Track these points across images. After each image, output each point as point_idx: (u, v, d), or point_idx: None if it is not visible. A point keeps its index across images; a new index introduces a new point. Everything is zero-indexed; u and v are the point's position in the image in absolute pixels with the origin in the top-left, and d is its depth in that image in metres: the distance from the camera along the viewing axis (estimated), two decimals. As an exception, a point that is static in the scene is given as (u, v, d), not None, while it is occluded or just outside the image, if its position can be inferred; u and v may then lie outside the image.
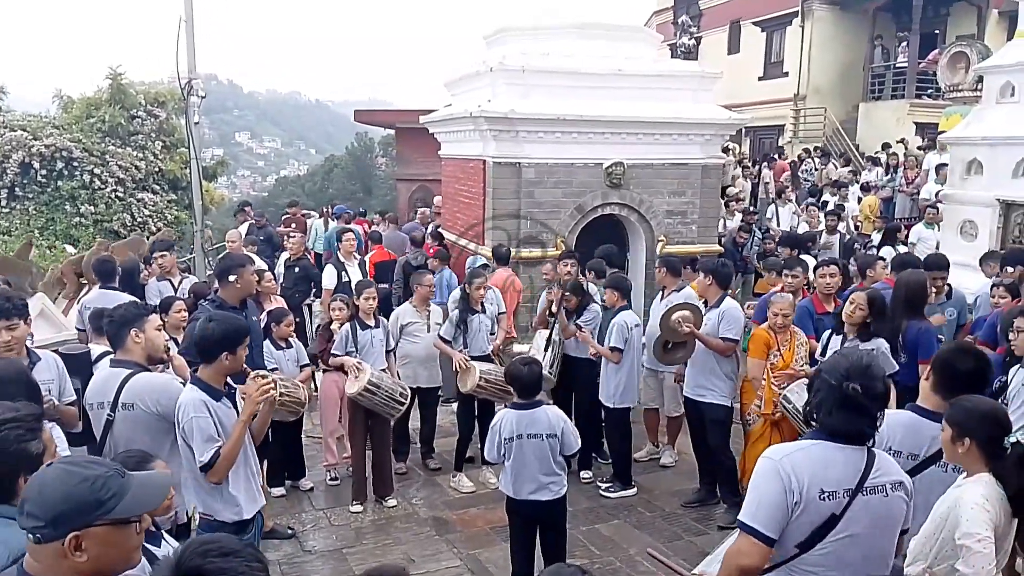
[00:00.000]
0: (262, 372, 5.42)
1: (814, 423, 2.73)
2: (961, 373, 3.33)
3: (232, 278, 5.35)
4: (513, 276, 8.50)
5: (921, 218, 12.91)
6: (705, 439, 6.23)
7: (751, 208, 13.06)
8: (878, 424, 2.64)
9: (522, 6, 10.44)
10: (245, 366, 4.06)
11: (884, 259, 7.69)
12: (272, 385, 3.79)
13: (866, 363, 2.67)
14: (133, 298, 5.88)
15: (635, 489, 6.56)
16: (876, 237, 12.07)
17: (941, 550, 2.92)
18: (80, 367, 4.79)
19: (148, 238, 14.64)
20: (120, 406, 3.85)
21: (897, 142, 16.25)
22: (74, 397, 4.54)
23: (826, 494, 2.55)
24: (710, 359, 6.03)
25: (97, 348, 5.24)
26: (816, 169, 16.78)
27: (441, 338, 6.81)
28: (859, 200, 14.07)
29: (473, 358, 6.68)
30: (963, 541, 2.77)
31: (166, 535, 2.77)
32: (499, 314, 7.24)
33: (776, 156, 17.59)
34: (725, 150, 16.85)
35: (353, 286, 7.02)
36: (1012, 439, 2.99)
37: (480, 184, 9.63)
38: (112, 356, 4.15)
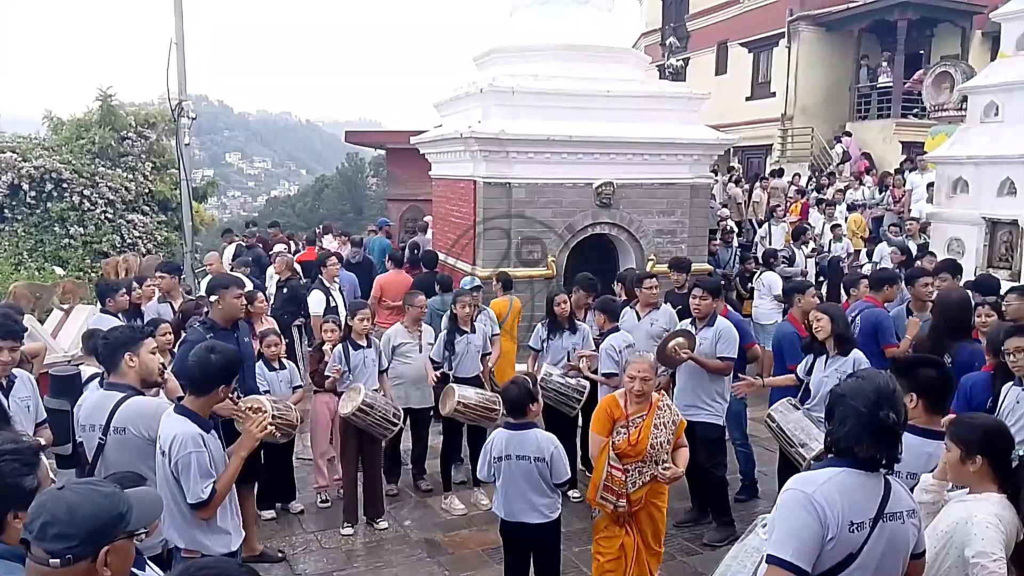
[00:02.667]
0: (255, 401, 5.42)
1: (833, 452, 2.68)
2: (938, 385, 3.37)
3: (214, 299, 5.37)
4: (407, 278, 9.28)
5: (909, 236, 13.05)
6: (696, 458, 6.22)
7: (729, 227, 13.06)
8: (900, 450, 2.62)
9: (511, 28, 10.51)
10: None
11: (867, 277, 7.73)
12: (269, 420, 3.74)
13: (892, 388, 2.63)
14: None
15: None
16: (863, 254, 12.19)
17: (943, 565, 2.91)
18: (70, 388, 4.76)
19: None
20: (112, 430, 3.82)
21: (881, 174, 16.33)
22: (44, 416, 4.54)
23: (855, 526, 2.52)
24: (702, 379, 6.02)
25: (88, 369, 5.22)
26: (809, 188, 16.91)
27: (431, 359, 6.81)
28: (845, 219, 14.17)
29: (461, 380, 6.65)
30: (978, 560, 2.75)
31: (149, 562, 2.74)
32: (492, 335, 7.22)
33: (767, 176, 17.68)
34: (730, 168, 17.15)
35: (345, 307, 7.02)
36: (1020, 452, 3.01)
37: (471, 204, 9.66)
38: (105, 379, 4.12)
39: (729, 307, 6.87)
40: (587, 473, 7.12)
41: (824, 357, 5.34)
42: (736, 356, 6.07)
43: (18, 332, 4.29)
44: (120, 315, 7.04)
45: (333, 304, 8.55)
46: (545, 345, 6.91)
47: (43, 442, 3.97)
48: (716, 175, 14.25)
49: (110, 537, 1.95)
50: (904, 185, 14.04)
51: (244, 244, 13.00)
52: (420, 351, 6.87)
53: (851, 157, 18.92)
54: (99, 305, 7.49)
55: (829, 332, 5.26)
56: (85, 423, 3.96)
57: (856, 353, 5.23)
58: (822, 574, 2.53)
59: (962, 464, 2.99)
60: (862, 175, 16.97)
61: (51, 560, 1.89)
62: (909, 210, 13.35)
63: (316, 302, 8.63)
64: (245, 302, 6.00)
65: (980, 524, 2.82)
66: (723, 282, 7.89)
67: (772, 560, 2.54)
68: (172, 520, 3.68)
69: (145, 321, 6.92)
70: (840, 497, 2.52)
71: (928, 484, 3.12)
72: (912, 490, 3.16)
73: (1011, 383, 4.46)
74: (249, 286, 7.89)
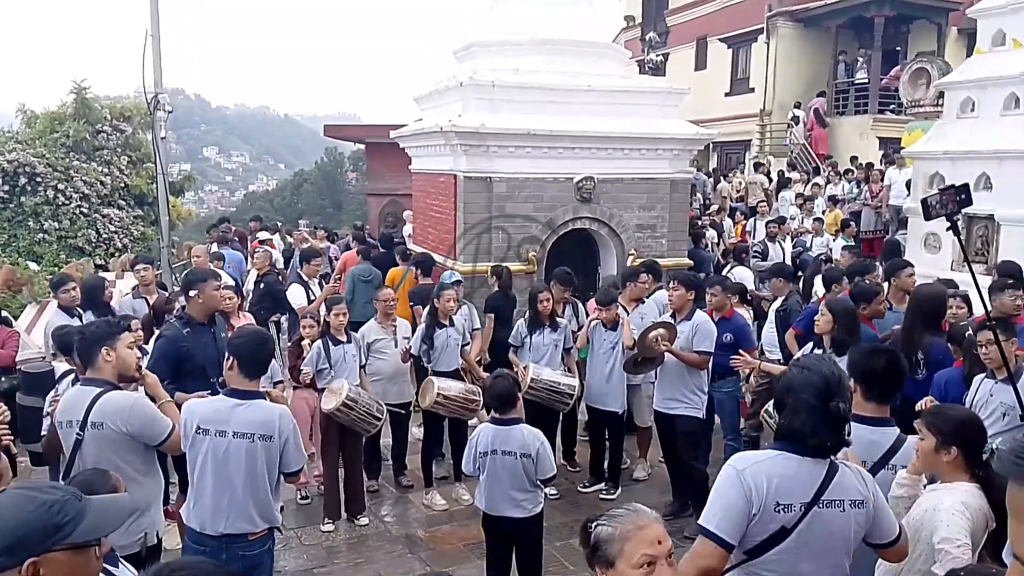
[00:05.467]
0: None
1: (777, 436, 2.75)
2: (882, 373, 3.37)
3: (193, 293, 5.28)
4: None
5: (885, 231, 13.17)
6: (676, 451, 6.26)
7: (704, 232, 13.12)
8: (849, 435, 2.68)
9: (492, 22, 10.47)
10: None
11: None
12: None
13: (839, 376, 2.70)
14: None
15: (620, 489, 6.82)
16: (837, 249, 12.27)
17: (913, 553, 2.95)
18: (43, 385, 4.70)
19: (114, 255, 14.49)
20: (89, 425, 3.78)
21: (865, 164, 16.57)
22: None
23: (782, 507, 2.59)
24: (681, 373, 6.06)
25: (60, 367, 5.15)
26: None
27: (410, 354, 6.79)
28: (823, 213, 14.26)
29: (440, 374, 6.60)
30: (942, 546, 2.81)
31: (122, 560, 2.69)
32: (473, 329, 7.20)
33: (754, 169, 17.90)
34: (758, 165, 17.53)
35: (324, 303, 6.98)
36: (993, 445, 3.05)
37: (451, 198, 9.63)
38: (81, 374, 4.07)
39: (736, 311, 6.92)
40: (568, 468, 7.16)
41: (821, 351, 5.30)
42: (712, 350, 6.09)
43: None
44: (91, 311, 6.95)
45: (313, 299, 8.54)
46: (526, 342, 6.88)
47: None
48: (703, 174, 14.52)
49: (41, 548, 1.78)
50: (881, 180, 14.16)
51: (220, 239, 12.89)
52: (395, 346, 6.82)
53: (799, 119, 20.01)
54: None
55: (826, 330, 5.26)
56: (62, 419, 3.91)
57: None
58: (751, 549, 2.62)
59: (936, 453, 3.04)
60: (824, 164, 17.29)
61: None
62: (889, 205, 13.46)
63: (296, 295, 8.61)
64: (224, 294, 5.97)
65: (946, 511, 2.88)
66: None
67: (700, 529, 2.65)
68: (247, 507, 3.80)
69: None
70: (769, 477, 2.60)
71: (902, 478, 3.16)
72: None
73: (983, 375, 4.51)
74: (228, 280, 7.83)
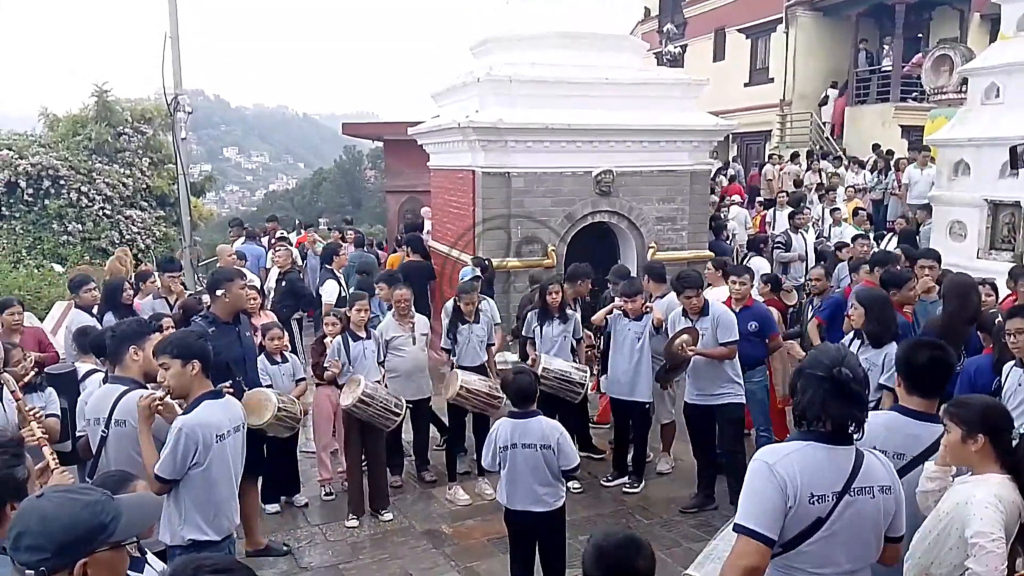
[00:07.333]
0: (261, 394, 5.48)
1: (803, 424, 2.71)
2: (925, 367, 3.31)
3: (220, 292, 5.30)
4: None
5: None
6: (706, 444, 6.26)
7: (722, 221, 13.02)
8: (866, 414, 2.65)
9: (508, 16, 10.44)
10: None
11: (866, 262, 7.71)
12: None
13: (844, 353, 2.70)
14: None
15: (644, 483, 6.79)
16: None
17: (944, 547, 2.90)
18: (66, 386, 4.75)
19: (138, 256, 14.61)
20: (113, 423, 3.83)
21: (887, 152, 16.35)
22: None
23: (815, 497, 2.56)
24: (715, 365, 6.08)
25: (83, 367, 5.21)
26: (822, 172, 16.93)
27: (443, 348, 6.91)
28: (844, 202, 14.08)
29: (465, 368, 6.65)
30: (976, 540, 2.75)
31: (150, 558, 2.70)
32: (495, 324, 7.23)
33: (777, 159, 17.80)
34: (796, 155, 17.71)
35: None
36: (1021, 430, 3.00)
37: (470, 194, 9.63)
38: (110, 372, 4.13)
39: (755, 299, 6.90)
40: (593, 458, 7.15)
41: (859, 343, 5.19)
42: (736, 338, 6.09)
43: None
44: (111, 312, 6.99)
45: (344, 295, 8.57)
46: (536, 332, 6.91)
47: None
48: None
49: (88, 549, 1.82)
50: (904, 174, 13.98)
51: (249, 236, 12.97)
52: (413, 343, 6.83)
53: (827, 100, 20.48)
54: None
55: (860, 324, 5.15)
56: (90, 417, 3.98)
57: (890, 347, 4.86)
58: (786, 542, 2.59)
59: (964, 444, 2.98)
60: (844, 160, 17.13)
61: (26, 571, 1.78)
62: (908, 204, 13.27)
63: (330, 292, 8.67)
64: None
65: (979, 504, 2.82)
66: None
67: (738, 528, 2.59)
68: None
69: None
70: (801, 469, 2.56)
71: (931, 472, 3.11)
72: (902, 470, 3.13)
73: (1012, 364, 4.44)
74: (252, 279, 7.88)
